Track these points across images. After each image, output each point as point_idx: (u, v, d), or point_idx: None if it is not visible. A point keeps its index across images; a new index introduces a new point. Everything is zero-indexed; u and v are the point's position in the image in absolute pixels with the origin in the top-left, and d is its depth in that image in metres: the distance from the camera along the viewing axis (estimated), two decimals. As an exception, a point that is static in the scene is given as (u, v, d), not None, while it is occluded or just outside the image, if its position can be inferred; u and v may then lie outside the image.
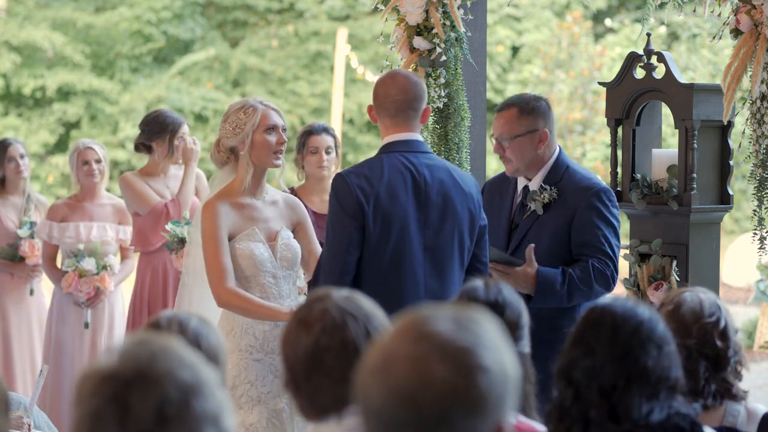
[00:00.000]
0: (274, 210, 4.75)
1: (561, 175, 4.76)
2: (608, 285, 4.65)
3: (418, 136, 4.40)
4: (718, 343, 3.25)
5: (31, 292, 6.97)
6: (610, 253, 4.64)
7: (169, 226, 6.19)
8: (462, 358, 1.82)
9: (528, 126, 4.72)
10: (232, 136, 4.69)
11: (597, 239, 4.64)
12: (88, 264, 6.52)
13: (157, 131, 6.44)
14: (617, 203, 4.80)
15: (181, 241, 6.17)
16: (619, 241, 4.72)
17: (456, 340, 1.84)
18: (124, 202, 6.92)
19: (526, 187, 4.83)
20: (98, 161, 6.72)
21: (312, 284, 4.41)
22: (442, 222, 4.31)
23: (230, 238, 4.64)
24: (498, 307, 3.12)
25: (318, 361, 2.51)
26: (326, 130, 6.05)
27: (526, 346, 3.22)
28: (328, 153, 5.95)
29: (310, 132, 5.99)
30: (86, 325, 6.59)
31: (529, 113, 4.73)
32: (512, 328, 3.10)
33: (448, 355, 1.82)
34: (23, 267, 6.90)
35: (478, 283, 3.24)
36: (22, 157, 7.00)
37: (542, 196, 4.72)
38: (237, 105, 4.75)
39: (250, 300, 4.58)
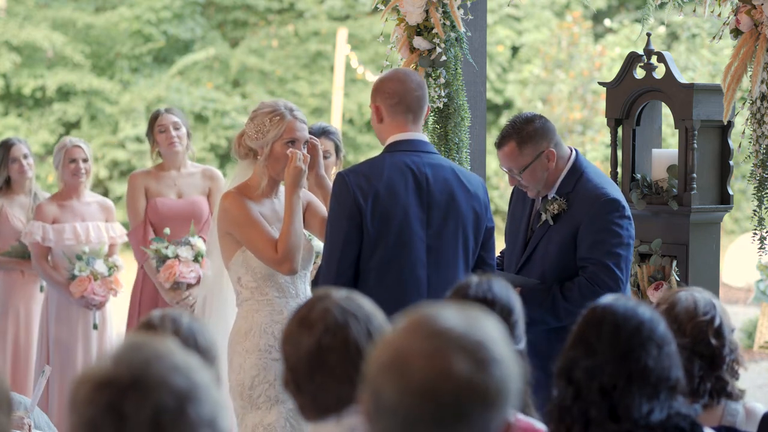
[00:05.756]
0: None
1: (573, 185, 4.60)
2: None
3: (423, 136, 4.38)
4: (713, 341, 3.25)
5: (41, 289, 6.96)
6: (612, 266, 4.44)
7: (153, 246, 6.13)
8: (478, 351, 1.87)
9: (532, 153, 4.57)
10: (254, 139, 4.62)
11: (598, 252, 4.46)
12: (101, 267, 6.50)
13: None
14: (629, 213, 4.60)
15: (165, 258, 6.10)
16: (627, 252, 4.51)
17: (469, 334, 1.88)
18: (107, 200, 6.93)
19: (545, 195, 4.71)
20: (85, 160, 6.73)
21: (313, 284, 4.41)
22: (446, 222, 4.28)
23: None
24: (487, 303, 3.13)
25: (320, 361, 2.51)
26: (326, 132, 5.75)
27: (521, 342, 3.22)
28: (325, 157, 5.53)
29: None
30: (95, 326, 6.58)
31: (527, 141, 4.57)
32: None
33: (464, 348, 1.86)
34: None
35: (472, 279, 3.26)
36: (25, 157, 7.00)
37: (552, 206, 4.59)
38: (267, 108, 4.63)
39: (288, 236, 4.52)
